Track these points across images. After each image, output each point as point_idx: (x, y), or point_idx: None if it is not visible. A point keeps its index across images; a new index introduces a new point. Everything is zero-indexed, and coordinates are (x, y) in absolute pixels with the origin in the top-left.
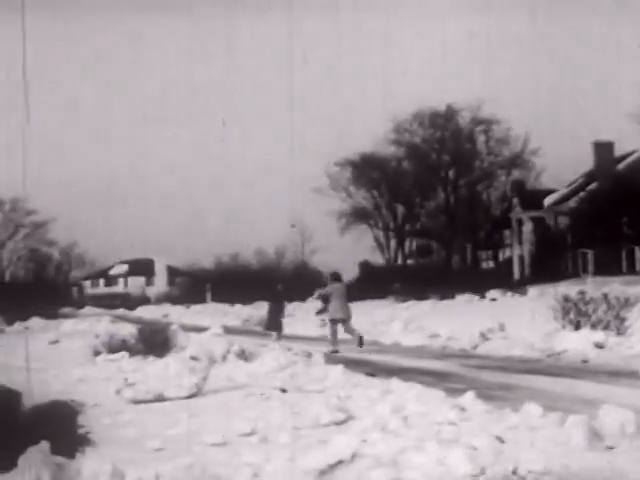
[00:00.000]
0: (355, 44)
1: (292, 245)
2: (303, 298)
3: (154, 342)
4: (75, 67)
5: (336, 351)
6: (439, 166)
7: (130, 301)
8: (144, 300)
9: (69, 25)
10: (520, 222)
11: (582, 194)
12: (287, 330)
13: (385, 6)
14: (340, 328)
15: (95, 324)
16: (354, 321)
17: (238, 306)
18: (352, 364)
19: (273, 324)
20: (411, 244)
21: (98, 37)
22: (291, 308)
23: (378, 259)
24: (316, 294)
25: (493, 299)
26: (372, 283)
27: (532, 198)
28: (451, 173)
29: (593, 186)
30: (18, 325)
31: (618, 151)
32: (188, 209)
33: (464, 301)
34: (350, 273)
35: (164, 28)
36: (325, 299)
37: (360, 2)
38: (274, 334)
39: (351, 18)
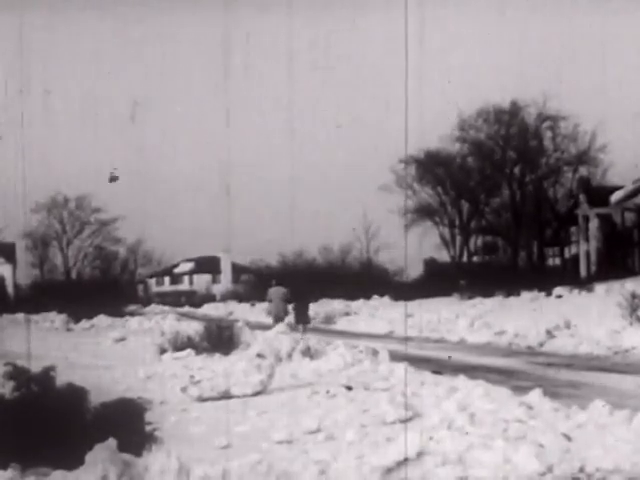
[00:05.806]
0: (418, 40)
1: (357, 242)
2: (368, 296)
3: (220, 340)
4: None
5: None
6: (504, 163)
7: (196, 299)
8: (209, 298)
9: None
10: (587, 219)
11: None
12: (353, 327)
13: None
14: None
15: (161, 322)
16: (420, 318)
17: None
18: (418, 361)
19: (301, 318)
20: (477, 241)
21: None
22: (355, 306)
23: (444, 256)
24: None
25: (559, 296)
26: (438, 280)
27: (599, 195)
28: (517, 170)
29: None
30: (84, 323)
31: None
32: (253, 207)
33: (530, 298)
34: (416, 270)
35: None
36: (270, 301)
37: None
38: (300, 327)
39: (416, 13)
